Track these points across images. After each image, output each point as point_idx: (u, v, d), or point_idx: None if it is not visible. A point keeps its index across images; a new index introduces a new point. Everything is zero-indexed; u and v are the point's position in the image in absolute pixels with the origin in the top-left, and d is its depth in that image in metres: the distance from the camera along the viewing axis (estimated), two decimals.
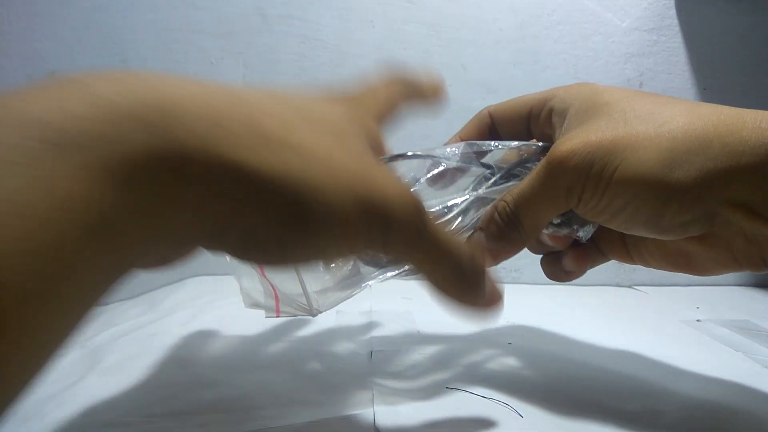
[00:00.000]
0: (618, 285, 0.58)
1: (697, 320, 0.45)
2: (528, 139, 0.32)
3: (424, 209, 0.22)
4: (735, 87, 0.57)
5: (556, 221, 0.30)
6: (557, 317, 0.46)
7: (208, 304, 0.45)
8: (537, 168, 0.26)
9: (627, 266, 0.58)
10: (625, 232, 0.26)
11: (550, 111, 0.29)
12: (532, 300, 0.52)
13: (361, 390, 0.30)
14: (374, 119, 0.26)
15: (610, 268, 0.58)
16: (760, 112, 0.23)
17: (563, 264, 0.33)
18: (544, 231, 0.30)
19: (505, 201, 0.27)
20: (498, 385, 0.30)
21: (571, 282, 0.57)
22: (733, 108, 0.24)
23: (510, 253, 0.29)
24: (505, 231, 0.28)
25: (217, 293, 0.48)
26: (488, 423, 0.26)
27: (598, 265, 0.34)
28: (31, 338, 0.14)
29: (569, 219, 0.29)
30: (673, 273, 0.29)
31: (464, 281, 0.24)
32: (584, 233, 0.30)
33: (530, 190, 0.26)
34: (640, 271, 0.58)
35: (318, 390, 0.30)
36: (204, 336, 0.38)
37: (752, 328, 0.43)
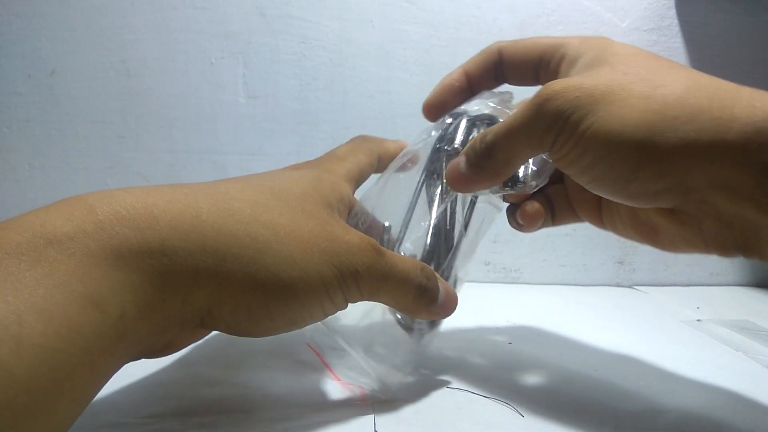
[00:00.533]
0: (618, 285, 0.58)
1: (698, 320, 0.45)
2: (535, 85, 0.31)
3: (381, 249, 0.25)
4: None
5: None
6: (557, 317, 0.46)
7: None
8: (525, 102, 0.26)
9: (627, 266, 0.58)
10: (592, 191, 0.25)
11: (562, 58, 0.28)
12: (532, 300, 0.52)
13: (361, 390, 0.30)
14: (345, 182, 0.29)
15: (611, 268, 0.58)
16: (759, 91, 0.22)
17: (516, 216, 0.33)
18: (492, 191, 0.30)
19: (487, 131, 0.27)
20: (498, 384, 0.30)
21: (571, 282, 0.58)
22: (734, 84, 0.23)
23: (482, 183, 0.27)
24: (480, 159, 0.27)
25: None
26: (489, 423, 0.26)
27: (564, 224, 0.33)
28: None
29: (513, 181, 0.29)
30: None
31: (423, 299, 0.27)
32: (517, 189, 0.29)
33: (512, 123, 0.25)
34: (640, 271, 0.58)
35: (318, 390, 0.30)
36: (204, 336, 0.38)
37: (752, 328, 0.43)
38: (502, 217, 0.59)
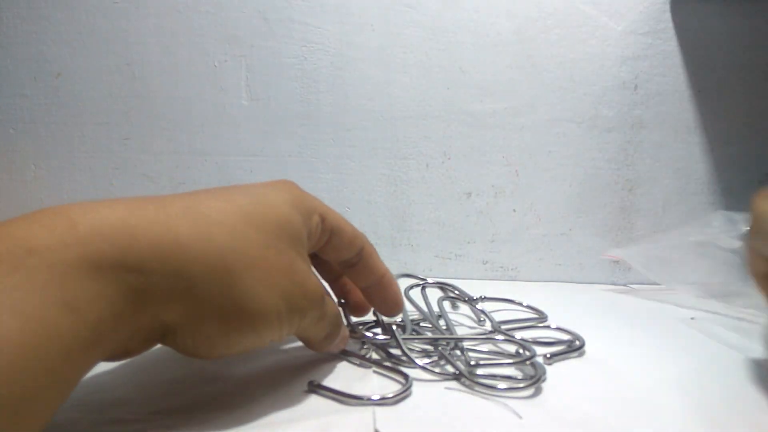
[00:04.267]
0: (614, 284, 0.59)
1: (692, 318, 0.45)
2: None
3: (326, 298, 0.29)
4: (730, 89, 0.58)
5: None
6: (553, 315, 0.46)
7: None
8: None
9: (623, 265, 0.59)
10: None
11: None
12: (528, 298, 0.52)
13: (362, 385, 0.30)
14: (318, 215, 0.29)
15: (606, 267, 0.59)
16: None
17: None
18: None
19: None
20: (500, 382, 0.30)
21: (567, 280, 0.58)
22: None
23: None
24: None
25: None
26: (488, 423, 0.26)
27: None
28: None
29: None
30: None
31: (333, 339, 0.31)
32: None
33: None
34: (635, 270, 0.59)
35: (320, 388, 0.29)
36: None
37: (747, 326, 0.43)
38: (501, 216, 0.59)
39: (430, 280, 0.48)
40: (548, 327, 0.39)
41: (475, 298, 0.46)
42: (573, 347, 0.36)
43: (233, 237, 0.24)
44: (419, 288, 0.45)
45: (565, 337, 0.37)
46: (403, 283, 0.44)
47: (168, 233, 0.22)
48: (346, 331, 0.33)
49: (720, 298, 0.50)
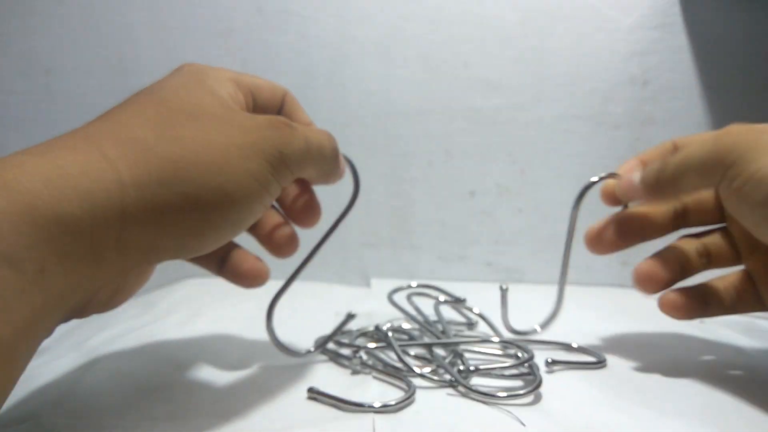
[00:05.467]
0: (622, 286, 0.58)
1: (701, 321, 0.45)
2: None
3: (290, 122, 0.26)
4: (740, 85, 0.57)
5: None
6: (559, 318, 0.46)
7: (205, 306, 0.45)
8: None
9: (631, 267, 0.58)
10: (758, 235, 0.27)
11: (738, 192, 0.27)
12: (533, 300, 0.51)
13: (360, 392, 0.30)
14: (227, 77, 0.27)
15: (614, 268, 0.58)
16: None
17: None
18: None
19: (668, 160, 0.30)
20: (498, 388, 0.30)
21: (574, 282, 0.57)
22: None
23: (647, 199, 0.33)
24: (652, 181, 0.31)
25: (213, 295, 0.48)
26: (489, 428, 0.26)
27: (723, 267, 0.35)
28: None
29: None
30: None
31: (333, 164, 0.30)
32: None
33: (689, 151, 0.29)
34: None
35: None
36: (200, 338, 0.38)
37: (755, 328, 0.42)
38: (506, 216, 0.58)
39: (413, 284, 0.46)
40: (569, 346, 0.38)
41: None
42: (591, 366, 0.35)
43: (162, 128, 0.22)
44: (418, 294, 0.44)
45: (589, 358, 0.36)
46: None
47: (94, 153, 0.21)
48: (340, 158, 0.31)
49: None
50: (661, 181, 0.30)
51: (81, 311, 0.23)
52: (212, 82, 0.26)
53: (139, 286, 0.28)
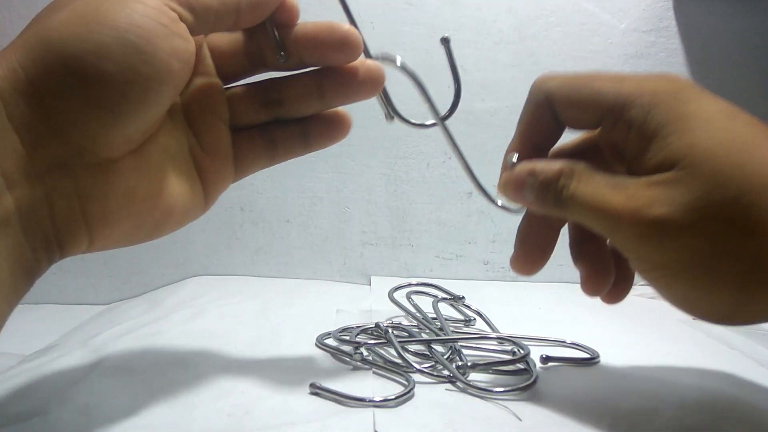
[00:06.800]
0: None
1: (693, 318, 0.45)
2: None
3: None
4: (733, 88, 0.57)
5: None
6: (554, 315, 0.46)
7: (210, 303, 0.45)
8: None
9: None
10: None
11: (629, 124, 0.24)
12: (528, 298, 0.52)
13: (361, 387, 0.30)
14: None
15: None
16: None
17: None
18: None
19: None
20: (495, 385, 0.31)
21: (569, 280, 0.57)
22: None
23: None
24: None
25: (218, 293, 0.48)
26: (487, 424, 0.26)
27: None
28: None
29: None
30: None
31: None
32: None
33: None
34: None
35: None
36: (205, 335, 0.38)
37: (748, 326, 0.43)
38: (502, 216, 0.59)
39: (413, 282, 0.47)
40: (563, 342, 0.38)
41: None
42: (585, 363, 0.35)
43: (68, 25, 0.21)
44: (417, 293, 0.45)
45: (582, 354, 0.36)
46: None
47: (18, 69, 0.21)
48: None
49: None
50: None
51: (58, 251, 0.23)
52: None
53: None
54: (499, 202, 0.31)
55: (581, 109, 0.26)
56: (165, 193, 0.26)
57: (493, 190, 0.32)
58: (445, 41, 0.28)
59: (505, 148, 0.56)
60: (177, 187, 0.27)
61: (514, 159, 0.29)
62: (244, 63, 0.29)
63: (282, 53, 0.27)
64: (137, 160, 0.24)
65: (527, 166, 0.27)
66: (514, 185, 0.28)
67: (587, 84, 0.26)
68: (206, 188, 0.29)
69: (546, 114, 0.28)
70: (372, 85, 0.29)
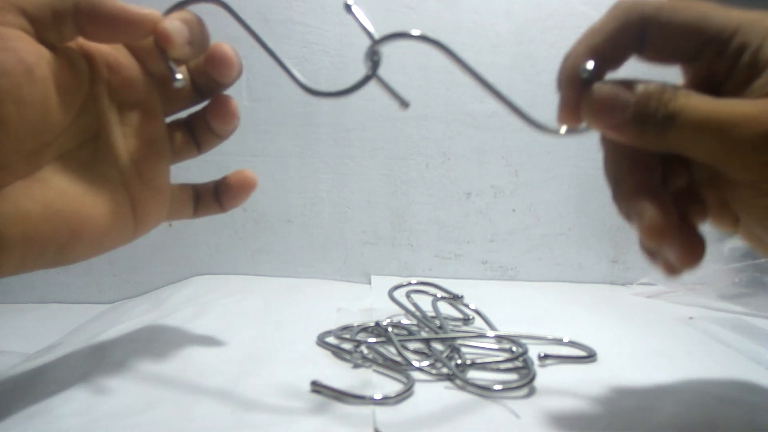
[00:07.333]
0: (612, 283, 0.59)
1: (690, 317, 0.45)
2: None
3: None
4: None
5: None
6: (551, 314, 0.47)
7: (212, 302, 0.46)
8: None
9: (621, 265, 0.59)
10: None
11: (739, 51, 0.22)
12: (527, 297, 0.52)
13: (361, 385, 0.30)
14: None
15: (605, 266, 0.59)
16: None
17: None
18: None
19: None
20: (494, 383, 0.31)
21: (566, 280, 0.58)
22: None
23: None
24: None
25: (221, 291, 0.49)
26: (486, 423, 0.26)
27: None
28: None
29: None
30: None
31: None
32: None
33: None
34: (634, 269, 0.59)
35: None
36: (207, 333, 0.38)
37: (745, 325, 0.43)
38: (500, 216, 0.59)
39: (413, 281, 0.47)
40: (561, 341, 0.38)
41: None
42: (583, 361, 0.36)
43: None
44: (416, 292, 0.45)
45: (579, 353, 0.37)
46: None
47: None
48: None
49: (718, 298, 0.50)
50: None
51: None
52: None
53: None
54: (560, 128, 0.26)
55: (683, 36, 0.23)
56: (67, 215, 0.24)
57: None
58: (347, 7, 0.27)
59: (503, 149, 0.57)
60: (87, 209, 0.25)
61: (589, 66, 0.25)
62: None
63: (177, 77, 0.27)
64: (29, 185, 0.23)
65: (615, 81, 0.24)
66: (604, 100, 0.24)
67: (692, 8, 0.23)
68: (137, 212, 0.28)
69: (629, 36, 0.25)
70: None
